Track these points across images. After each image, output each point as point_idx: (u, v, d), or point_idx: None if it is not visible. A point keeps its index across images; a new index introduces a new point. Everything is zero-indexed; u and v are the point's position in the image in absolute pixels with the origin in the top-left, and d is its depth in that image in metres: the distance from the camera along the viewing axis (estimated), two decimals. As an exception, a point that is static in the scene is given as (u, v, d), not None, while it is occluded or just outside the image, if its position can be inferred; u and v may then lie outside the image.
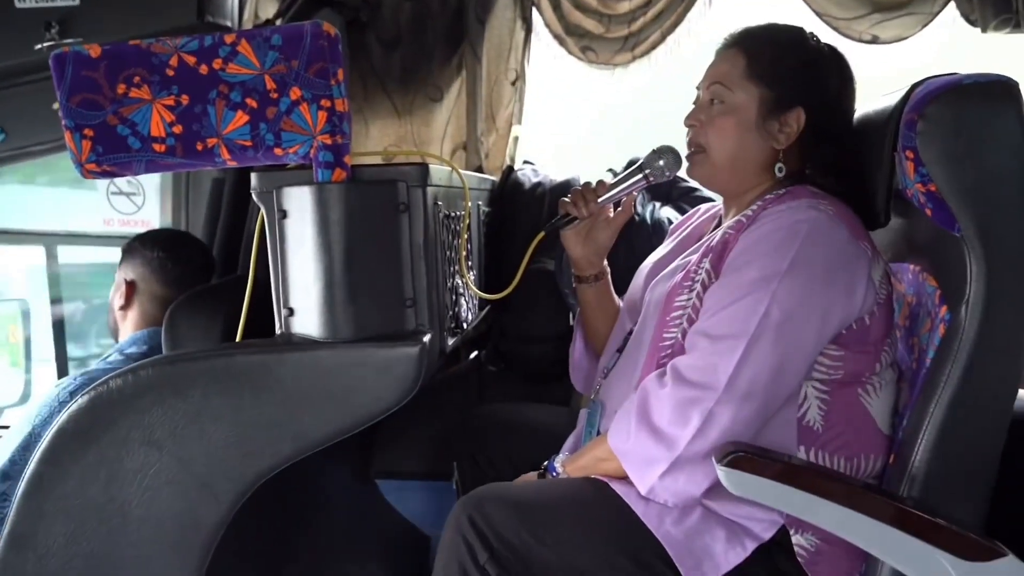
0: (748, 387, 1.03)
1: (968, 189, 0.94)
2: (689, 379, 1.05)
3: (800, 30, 1.20)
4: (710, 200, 1.77)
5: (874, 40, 1.88)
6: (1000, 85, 0.94)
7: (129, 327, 1.67)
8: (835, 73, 1.18)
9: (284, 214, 1.07)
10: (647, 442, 1.06)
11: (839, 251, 1.06)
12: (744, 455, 0.97)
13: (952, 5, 1.81)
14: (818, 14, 1.88)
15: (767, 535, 1.05)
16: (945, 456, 0.98)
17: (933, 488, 0.99)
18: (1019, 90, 0.94)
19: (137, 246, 1.69)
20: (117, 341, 1.69)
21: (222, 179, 2.00)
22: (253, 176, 1.09)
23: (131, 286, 1.67)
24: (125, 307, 1.67)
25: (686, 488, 1.05)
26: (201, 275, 1.70)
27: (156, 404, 1.04)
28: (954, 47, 1.96)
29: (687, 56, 2.02)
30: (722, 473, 0.97)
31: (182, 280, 1.65)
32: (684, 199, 1.79)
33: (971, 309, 0.96)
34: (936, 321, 1.04)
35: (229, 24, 2.01)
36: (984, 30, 1.80)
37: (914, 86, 1.03)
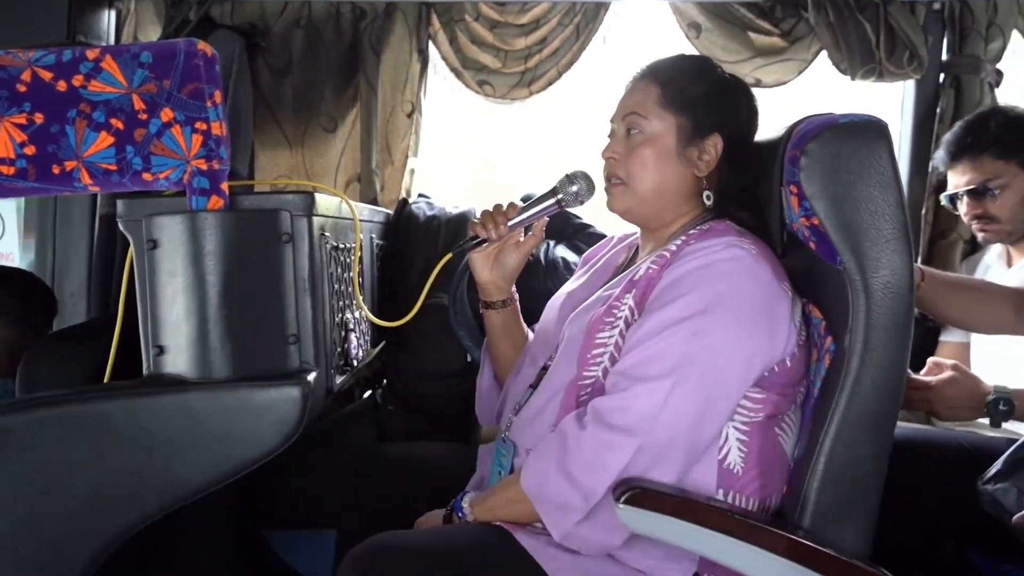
0: (670, 432, 0.99)
1: (847, 223, 0.98)
2: (609, 422, 1.00)
3: (707, 58, 1.21)
4: (604, 237, 1.80)
5: (757, 84, 1.97)
6: (873, 124, 0.99)
7: None
8: (743, 98, 1.19)
9: (154, 244, 0.99)
10: (563, 487, 1.01)
11: (762, 292, 1.04)
12: (641, 491, 0.95)
13: (824, 54, 1.93)
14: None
15: None
16: (834, 484, 1.00)
17: (824, 515, 1.00)
18: (888, 130, 0.99)
19: None
20: None
21: (113, 215, 1.84)
22: (120, 203, 1.01)
23: None
24: None
25: (603, 537, 1.01)
26: (37, 314, 1.56)
27: None
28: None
29: (580, 94, 2.06)
30: (620, 510, 0.94)
31: None
32: (579, 236, 1.79)
33: (853, 339, 0.98)
34: (823, 352, 1.06)
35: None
36: (853, 78, 1.92)
37: (795, 124, 1.06)
